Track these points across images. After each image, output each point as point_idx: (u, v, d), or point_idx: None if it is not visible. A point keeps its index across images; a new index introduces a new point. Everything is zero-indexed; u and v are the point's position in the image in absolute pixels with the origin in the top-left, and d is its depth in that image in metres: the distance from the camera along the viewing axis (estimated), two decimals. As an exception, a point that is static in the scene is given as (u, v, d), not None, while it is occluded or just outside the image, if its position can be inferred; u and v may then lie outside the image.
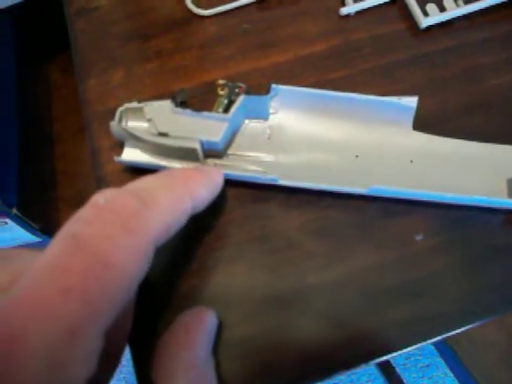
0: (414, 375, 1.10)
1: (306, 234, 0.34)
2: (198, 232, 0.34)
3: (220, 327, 0.32)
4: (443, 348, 0.70)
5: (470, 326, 0.32)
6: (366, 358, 0.31)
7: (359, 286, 0.33)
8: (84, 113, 0.39)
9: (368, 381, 1.10)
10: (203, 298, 0.32)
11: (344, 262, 0.33)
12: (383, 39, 0.40)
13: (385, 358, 0.32)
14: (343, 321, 0.32)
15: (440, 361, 1.08)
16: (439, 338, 0.32)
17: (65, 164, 0.81)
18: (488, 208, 0.34)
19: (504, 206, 0.33)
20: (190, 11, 0.41)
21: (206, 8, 0.41)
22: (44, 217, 0.76)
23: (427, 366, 1.10)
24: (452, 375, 0.96)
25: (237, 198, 0.35)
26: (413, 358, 1.11)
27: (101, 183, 0.37)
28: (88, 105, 0.39)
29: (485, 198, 0.33)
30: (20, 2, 0.67)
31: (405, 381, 1.04)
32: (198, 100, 0.38)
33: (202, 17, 0.41)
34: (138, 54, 0.40)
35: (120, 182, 0.36)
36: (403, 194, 0.33)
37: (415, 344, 0.32)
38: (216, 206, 0.35)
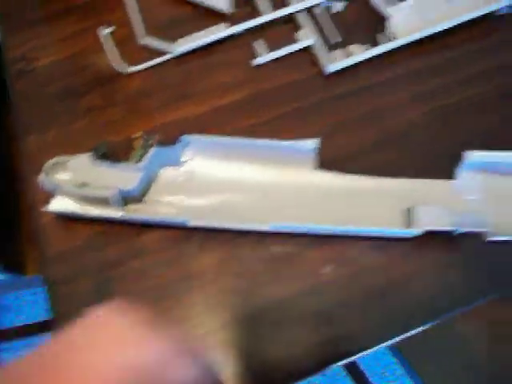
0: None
1: (223, 272, 0.37)
2: (127, 274, 0.37)
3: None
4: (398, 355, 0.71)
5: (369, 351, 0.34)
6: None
7: (273, 320, 0.35)
8: (22, 168, 0.43)
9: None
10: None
11: (258, 297, 0.36)
12: (295, 85, 0.44)
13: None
14: (254, 356, 0.34)
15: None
16: (343, 362, 0.34)
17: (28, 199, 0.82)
18: (388, 238, 0.36)
19: (403, 235, 0.36)
20: (116, 70, 0.45)
21: (130, 65, 0.45)
22: (7, 253, 0.78)
23: None
24: None
25: (160, 240, 0.38)
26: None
27: (38, 233, 0.40)
28: (26, 160, 0.43)
29: (382, 229, 0.36)
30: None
31: None
32: (125, 152, 0.40)
33: (128, 74, 0.45)
34: (72, 111, 0.44)
35: (56, 232, 0.39)
36: (304, 228, 0.36)
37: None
38: (141, 249, 0.38)
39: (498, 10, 0.46)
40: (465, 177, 0.38)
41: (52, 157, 0.40)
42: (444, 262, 0.36)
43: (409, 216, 0.36)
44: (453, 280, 0.35)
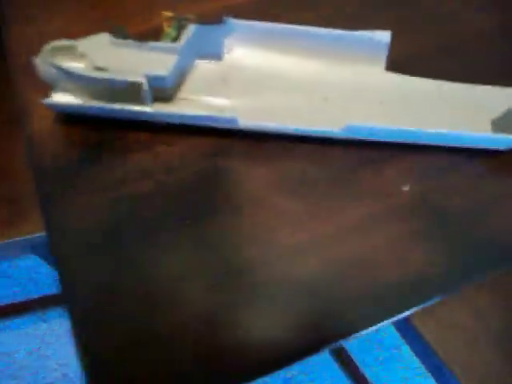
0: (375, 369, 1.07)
1: (275, 191, 0.29)
2: (153, 194, 0.29)
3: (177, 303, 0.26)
4: (408, 332, 0.67)
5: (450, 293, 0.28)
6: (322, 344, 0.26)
7: (337, 252, 0.28)
8: (9, 64, 0.33)
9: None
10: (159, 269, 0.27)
11: (322, 221, 0.28)
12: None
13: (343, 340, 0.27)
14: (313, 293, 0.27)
15: (397, 352, 1.05)
16: (419, 306, 0.28)
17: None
18: (473, 150, 0.30)
19: (489, 147, 0.30)
20: None
21: None
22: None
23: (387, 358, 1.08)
24: (414, 366, 0.94)
25: (190, 152, 0.30)
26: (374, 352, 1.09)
27: (32, 142, 0.30)
28: (14, 54, 0.33)
29: (479, 134, 0.30)
30: None
31: (367, 375, 1.01)
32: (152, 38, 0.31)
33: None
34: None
35: (51, 140, 0.30)
36: (385, 133, 0.29)
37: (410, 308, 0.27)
38: (168, 162, 0.29)
39: None
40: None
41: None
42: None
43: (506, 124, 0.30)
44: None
